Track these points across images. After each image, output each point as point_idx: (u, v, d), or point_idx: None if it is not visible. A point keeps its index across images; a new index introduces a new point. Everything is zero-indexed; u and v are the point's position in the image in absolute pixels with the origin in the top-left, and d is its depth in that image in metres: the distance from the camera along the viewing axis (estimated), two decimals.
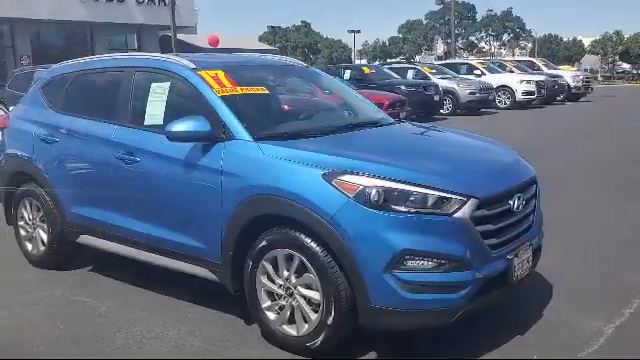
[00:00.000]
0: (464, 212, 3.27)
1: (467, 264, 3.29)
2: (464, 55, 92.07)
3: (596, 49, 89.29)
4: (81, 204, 4.85)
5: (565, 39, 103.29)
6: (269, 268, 3.66)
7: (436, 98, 18.36)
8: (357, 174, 3.33)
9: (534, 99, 22.37)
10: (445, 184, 3.32)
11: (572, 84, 25.92)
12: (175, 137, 3.89)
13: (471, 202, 3.30)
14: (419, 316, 3.30)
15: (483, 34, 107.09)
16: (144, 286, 4.75)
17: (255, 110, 4.31)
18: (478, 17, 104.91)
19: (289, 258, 3.56)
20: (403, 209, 3.24)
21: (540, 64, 27.95)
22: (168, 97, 4.35)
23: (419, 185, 3.28)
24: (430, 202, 3.27)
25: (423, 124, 4.85)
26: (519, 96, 21.96)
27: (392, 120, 4.79)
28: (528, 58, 31.88)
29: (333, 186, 3.33)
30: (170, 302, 4.46)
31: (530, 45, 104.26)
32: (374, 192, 3.24)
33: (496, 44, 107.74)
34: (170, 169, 4.09)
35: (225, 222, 3.80)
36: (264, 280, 3.70)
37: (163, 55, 4.55)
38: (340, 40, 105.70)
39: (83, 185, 4.82)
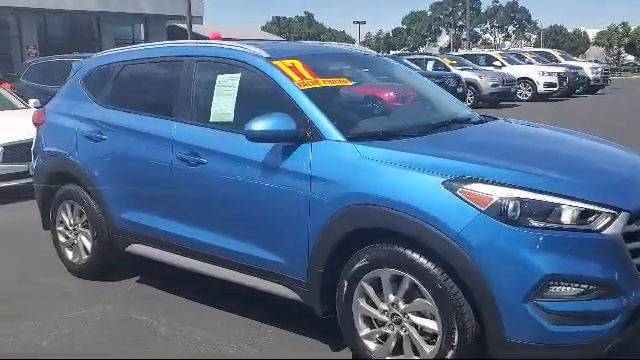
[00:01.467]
0: (615, 228, 2.77)
1: (617, 289, 2.79)
2: (466, 47, 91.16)
3: (602, 40, 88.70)
4: (133, 209, 4.35)
5: (570, 30, 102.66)
6: (369, 290, 3.16)
7: (459, 90, 17.83)
8: (489, 183, 2.82)
9: (555, 91, 21.82)
10: (592, 195, 2.81)
11: (591, 76, 25.38)
12: (256, 137, 3.38)
13: (622, 216, 2.80)
14: (563, 351, 2.80)
15: (487, 25, 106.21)
16: (205, 302, 4.26)
17: (341, 105, 3.81)
18: (482, 8, 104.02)
19: (396, 280, 3.06)
20: (545, 225, 2.74)
21: (557, 55, 27.40)
22: (238, 91, 3.81)
23: (562, 196, 2.78)
24: (576, 216, 2.76)
25: (517, 120, 4.32)
26: (540, 88, 21.43)
27: (479, 115, 4.27)
28: (543, 49, 31.19)
29: (458, 196, 2.82)
30: (239, 322, 3.98)
31: (535, 36, 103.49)
32: (512, 205, 2.74)
33: (501, 36, 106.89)
34: (245, 173, 3.59)
35: (314, 235, 3.30)
36: (363, 304, 3.20)
37: (231, 43, 4.02)
38: (343, 31, 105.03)
39: (136, 188, 4.31)
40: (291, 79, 3.62)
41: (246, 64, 3.81)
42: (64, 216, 4.91)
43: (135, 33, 32.95)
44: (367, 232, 3.14)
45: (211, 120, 3.90)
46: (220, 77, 3.92)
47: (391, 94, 4.22)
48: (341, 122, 3.43)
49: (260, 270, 3.65)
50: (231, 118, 3.79)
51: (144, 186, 4.26)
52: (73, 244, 4.91)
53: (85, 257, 4.81)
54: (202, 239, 3.92)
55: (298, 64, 3.78)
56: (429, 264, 2.92)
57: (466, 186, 2.83)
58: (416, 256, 2.95)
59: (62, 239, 4.98)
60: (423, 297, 2.97)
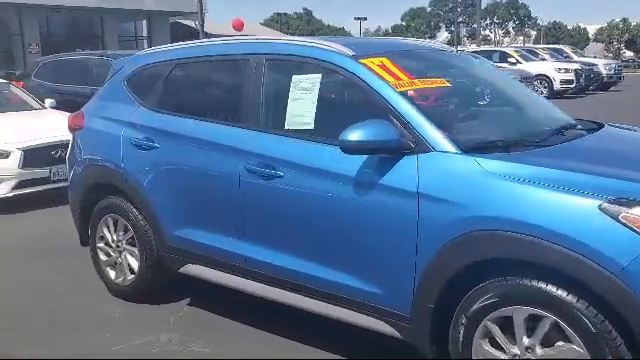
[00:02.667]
0: None
1: None
2: (467, 44, 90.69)
3: (602, 36, 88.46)
4: (190, 226, 3.86)
5: (569, 27, 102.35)
6: (496, 331, 2.68)
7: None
8: None
9: (572, 88, 21.35)
10: None
11: (605, 72, 24.93)
12: (353, 149, 2.90)
13: None
14: None
15: (487, 22, 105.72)
16: (272, 330, 3.78)
17: (446, 110, 3.30)
18: (483, 5, 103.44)
19: (533, 319, 2.57)
20: None
21: (569, 52, 26.94)
22: (318, 94, 3.33)
23: None
24: None
25: (622, 125, 3.83)
26: (557, 85, 20.96)
27: (579, 121, 3.79)
28: (555, 45, 30.73)
29: (621, 223, 2.34)
30: (316, 354, 3.47)
31: (534, 33, 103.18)
32: None
33: (500, 32, 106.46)
34: (332, 188, 3.11)
35: (423, 263, 2.82)
36: (486, 347, 2.73)
37: (307, 39, 3.52)
38: (343, 28, 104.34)
39: (194, 202, 3.82)
40: (385, 80, 3.14)
41: (328, 63, 3.33)
42: (105, 232, 4.42)
43: (138, 30, 32.42)
44: (496, 263, 2.65)
45: (286, 127, 3.41)
46: (295, 78, 3.43)
47: (489, 97, 3.71)
48: (451, 130, 2.95)
49: (347, 300, 3.19)
50: (310, 125, 3.30)
51: (204, 201, 3.78)
52: (116, 263, 4.43)
53: (131, 277, 4.32)
54: (275, 262, 3.46)
55: (388, 62, 3.30)
56: (579, 303, 2.43)
57: (631, 210, 2.35)
58: (563, 294, 2.47)
59: (103, 257, 4.49)
60: (570, 341, 2.49)
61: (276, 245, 3.45)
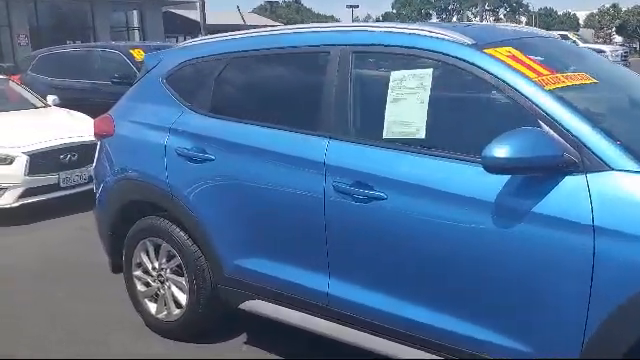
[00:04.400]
0: None
1: None
2: None
3: (592, 22, 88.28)
4: (255, 254, 3.18)
5: (560, 13, 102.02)
6: None
7: None
8: None
9: None
10: None
11: (611, 59, 24.32)
12: (501, 167, 2.23)
13: None
14: None
15: (478, 8, 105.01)
16: None
17: (612, 115, 2.63)
18: None
19: None
20: None
21: (574, 38, 26.32)
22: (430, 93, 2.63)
23: None
24: None
25: None
26: None
27: None
28: (560, 32, 30.10)
29: None
30: None
31: (525, 19, 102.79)
32: None
33: (492, 19, 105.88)
34: (461, 216, 2.42)
35: (597, 318, 2.13)
36: None
37: (406, 25, 2.82)
38: (332, 16, 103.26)
39: (261, 226, 3.14)
40: (524, 75, 2.45)
41: (440, 54, 2.64)
42: (144, 258, 3.72)
43: (129, 20, 31.46)
44: None
45: (385, 136, 2.71)
46: (396, 75, 2.73)
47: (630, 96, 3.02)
48: (626, 141, 2.25)
49: (471, 355, 2.49)
50: (420, 133, 2.61)
51: (275, 225, 3.08)
52: (157, 295, 3.71)
53: (176, 312, 3.62)
54: (370, 303, 2.79)
55: (517, 53, 2.63)
56: None
57: None
58: None
59: (140, 287, 3.79)
60: None
61: (372, 283, 2.77)
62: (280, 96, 3.24)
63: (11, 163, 6.29)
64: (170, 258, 3.60)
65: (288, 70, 3.28)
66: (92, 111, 7.90)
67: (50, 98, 8.24)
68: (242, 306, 3.34)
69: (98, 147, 4.00)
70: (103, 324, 3.93)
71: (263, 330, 3.58)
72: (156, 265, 3.68)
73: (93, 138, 6.83)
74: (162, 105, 3.61)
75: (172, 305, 3.65)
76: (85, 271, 4.82)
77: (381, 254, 2.71)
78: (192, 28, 31.70)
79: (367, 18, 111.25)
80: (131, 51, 9.48)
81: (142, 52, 9.36)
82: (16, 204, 6.31)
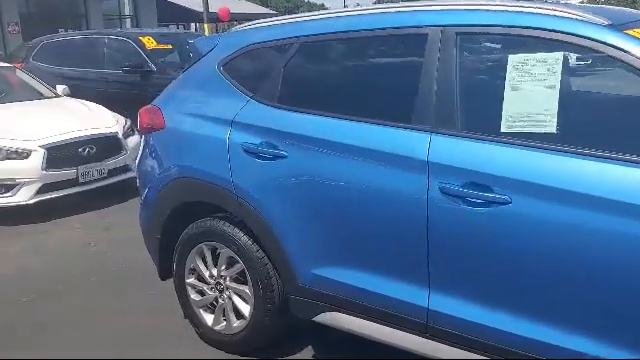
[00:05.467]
0: None
1: None
2: None
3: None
4: (337, 262, 2.85)
5: None
6: None
7: None
8: None
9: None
10: None
11: None
12: None
13: None
14: None
15: None
16: None
17: None
18: None
19: None
20: None
21: None
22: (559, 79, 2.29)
23: None
24: None
25: None
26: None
27: None
28: None
29: None
30: None
31: None
32: None
33: None
34: (604, 224, 2.09)
35: None
36: None
37: (524, 3, 2.47)
38: (323, 4, 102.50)
39: (345, 232, 2.81)
40: None
41: (574, 36, 2.29)
42: (199, 264, 3.36)
43: (122, 8, 30.81)
44: None
45: (504, 130, 2.36)
46: (515, 59, 2.39)
47: None
48: None
49: None
50: (550, 126, 2.27)
51: (363, 230, 2.73)
52: (214, 305, 3.37)
53: (237, 324, 3.29)
54: (484, 321, 2.44)
55: None
56: None
57: None
58: None
59: (194, 296, 3.44)
60: None
61: (487, 298, 2.44)
62: (365, 85, 2.89)
63: (27, 157, 5.90)
64: (231, 265, 3.26)
65: (375, 55, 2.93)
66: (101, 101, 7.52)
67: (60, 88, 7.83)
68: (318, 318, 3.00)
69: (143, 142, 3.63)
70: (151, 336, 3.58)
71: (329, 343, 3.25)
72: (214, 272, 3.33)
73: (112, 130, 6.51)
74: (221, 95, 3.25)
75: (232, 316, 3.30)
76: (122, 276, 4.48)
77: (501, 266, 2.38)
78: (186, 16, 31.11)
79: (356, 6, 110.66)
80: (141, 38, 9.06)
81: (152, 39, 8.97)
82: (32, 201, 5.93)
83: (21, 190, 5.87)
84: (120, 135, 6.59)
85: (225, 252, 3.24)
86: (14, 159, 5.88)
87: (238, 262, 3.21)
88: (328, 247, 2.86)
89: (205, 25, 15.08)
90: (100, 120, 6.66)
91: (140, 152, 3.65)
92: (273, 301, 3.13)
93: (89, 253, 5.07)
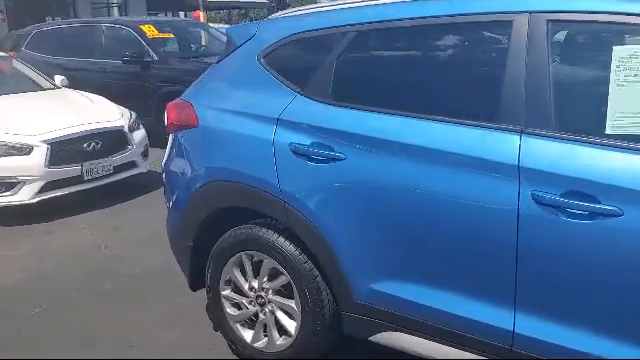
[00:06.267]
0: None
1: None
2: None
3: None
4: (402, 277, 2.58)
5: None
6: None
7: None
8: None
9: None
10: None
11: None
12: None
13: None
14: None
15: None
16: None
17: None
18: None
19: None
20: None
21: None
22: None
23: None
24: None
25: None
26: None
27: None
28: None
29: None
30: None
31: None
32: None
33: None
34: None
35: None
36: None
37: None
38: None
39: (414, 243, 2.51)
40: None
41: None
42: (237, 275, 3.06)
43: None
44: None
45: (608, 131, 2.08)
46: (622, 51, 2.08)
47: None
48: None
49: None
50: None
51: (438, 243, 2.44)
52: (253, 320, 3.06)
53: (280, 342, 3.00)
54: (583, 348, 2.15)
55: None
56: None
57: None
58: None
59: (231, 310, 3.14)
60: None
61: (590, 323, 2.15)
62: (439, 79, 2.58)
63: (29, 153, 5.54)
64: (274, 277, 2.95)
65: (447, 46, 2.61)
66: (99, 93, 7.14)
67: (58, 79, 7.45)
68: (376, 338, 2.72)
69: (171, 141, 3.31)
70: (178, 351, 3.26)
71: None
72: (255, 284, 3.01)
73: (117, 124, 6.15)
74: (262, 90, 2.93)
75: (275, 333, 3.00)
76: (138, 283, 4.18)
77: (606, 287, 2.09)
78: (176, 4, 30.53)
79: None
80: (141, 27, 8.68)
81: (153, 28, 8.59)
82: (35, 200, 5.57)
83: (23, 189, 5.51)
84: (126, 129, 6.24)
85: (268, 263, 2.94)
86: (15, 155, 5.51)
87: (283, 274, 2.91)
88: (391, 260, 2.57)
89: (201, 13, 14.66)
90: (104, 113, 6.29)
91: (167, 152, 3.32)
92: (323, 317, 2.83)
93: (100, 257, 4.74)
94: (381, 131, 2.53)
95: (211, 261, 3.15)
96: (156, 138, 7.02)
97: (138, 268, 4.44)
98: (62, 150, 5.67)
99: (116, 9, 29.76)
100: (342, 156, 2.60)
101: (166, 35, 8.94)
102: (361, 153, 2.56)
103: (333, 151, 2.62)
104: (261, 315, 3.05)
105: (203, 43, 9.72)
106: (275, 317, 3.00)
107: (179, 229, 3.24)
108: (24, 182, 5.50)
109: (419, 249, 2.49)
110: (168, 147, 3.34)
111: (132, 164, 6.31)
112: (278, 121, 2.79)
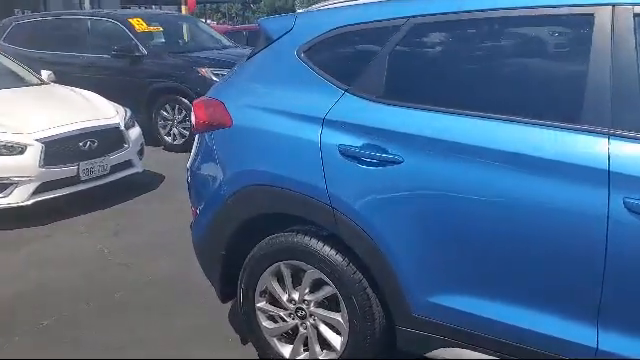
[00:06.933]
0: None
1: None
2: None
3: None
4: (468, 290, 2.42)
5: None
6: None
7: None
8: None
9: None
10: None
11: None
12: None
13: None
14: None
15: None
16: None
17: None
18: None
19: None
20: None
21: None
22: None
23: None
24: None
25: None
26: None
27: None
28: None
29: None
30: None
31: None
32: None
33: None
34: None
35: None
36: None
37: None
38: None
39: (487, 253, 2.33)
40: None
41: None
42: (275, 286, 2.86)
43: None
44: None
45: None
46: None
47: None
48: None
49: None
50: None
51: (511, 253, 2.26)
52: (291, 333, 2.87)
53: (323, 357, 2.83)
54: None
55: None
56: None
57: None
58: None
59: (267, 323, 2.93)
60: None
61: None
62: (511, 76, 2.40)
63: (22, 153, 5.24)
64: (317, 288, 2.76)
65: (515, 41, 2.43)
66: (86, 88, 6.83)
67: (45, 73, 7.10)
68: (435, 354, 2.54)
69: (197, 142, 3.08)
70: None
71: None
72: (295, 296, 2.80)
73: (113, 121, 5.87)
74: (304, 87, 2.72)
75: (317, 347, 2.80)
76: (151, 292, 3.95)
77: None
78: None
79: None
80: (130, 20, 8.36)
81: (142, 21, 8.29)
82: (29, 202, 5.27)
83: (16, 190, 5.21)
84: (122, 127, 5.96)
85: (311, 273, 2.74)
86: (6, 155, 5.21)
87: (328, 285, 2.70)
88: (457, 271, 2.39)
89: (183, 7, 14.30)
90: (99, 110, 6.01)
91: (194, 154, 3.10)
92: (373, 332, 2.64)
93: (105, 263, 4.47)
94: (447, 133, 2.34)
95: (245, 271, 2.93)
96: (146, 136, 6.74)
97: (148, 275, 4.20)
98: (57, 149, 5.39)
99: (87, 1, 29.05)
100: (399, 159, 2.41)
101: (155, 29, 8.62)
102: (422, 156, 2.38)
103: (387, 153, 2.43)
104: (301, 329, 2.85)
105: (192, 37, 9.42)
106: (317, 331, 2.80)
107: (209, 237, 3.02)
108: (17, 183, 5.20)
109: (491, 259, 2.31)
110: (194, 148, 3.11)
111: (129, 163, 6.04)
112: (324, 121, 2.59)
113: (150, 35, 8.72)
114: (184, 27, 9.49)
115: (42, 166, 5.26)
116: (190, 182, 3.14)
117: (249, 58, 3.04)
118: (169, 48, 8.74)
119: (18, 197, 5.21)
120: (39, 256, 4.63)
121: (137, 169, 6.18)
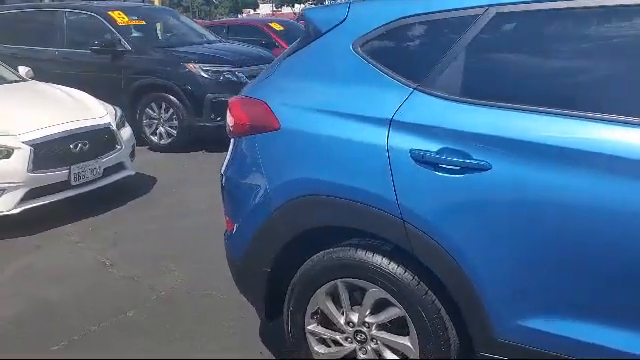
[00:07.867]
0: None
1: None
2: None
3: None
4: (565, 312, 2.12)
5: None
6: None
7: None
8: None
9: None
10: None
11: None
12: None
13: None
14: None
15: None
16: None
17: None
18: None
19: None
20: None
21: None
22: None
23: None
24: None
25: None
26: None
27: None
28: None
29: None
30: None
31: None
32: None
33: None
34: None
35: None
36: None
37: None
38: None
39: (589, 271, 2.06)
40: None
41: None
42: (330, 306, 2.57)
43: None
44: None
45: None
46: None
47: None
48: None
49: None
50: None
51: (618, 273, 1.99)
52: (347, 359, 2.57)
53: None
54: None
55: None
56: None
57: None
58: None
59: (319, 348, 2.71)
60: None
61: None
62: (616, 74, 2.12)
63: (8, 157, 4.82)
64: (379, 309, 2.46)
65: (623, 33, 2.15)
66: (64, 86, 6.41)
67: (22, 70, 6.64)
68: None
69: (233, 147, 2.76)
70: None
71: None
72: (353, 318, 2.50)
73: (104, 121, 5.46)
74: (364, 85, 2.42)
75: None
76: (166, 310, 3.62)
77: None
78: None
79: None
80: (110, 13, 7.91)
81: (123, 14, 7.84)
82: (17, 210, 4.86)
83: (3, 197, 4.78)
84: (114, 127, 5.56)
85: (374, 292, 2.45)
86: None
87: (394, 306, 2.40)
88: (552, 292, 2.12)
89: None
90: (88, 109, 5.60)
91: (229, 159, 2.77)
92: (448, 358, 2.35)
93: (108, 276, 4.11)
94: (543, 135, 2.06)
95: (294, 290, 2.63)
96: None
97: (160, 290, 3.85)
98: (47, 152, 4.98)
99: None
100: (485, 165, 2.12)
101: (136, 22, 8.18)
102: (515, 162, 2.10)
103: (471, 158, 2.14)
104: (360, 354, 2.56)
105: (176, 31, 9.00)
106: (380, 357, 2.51)
107: (251, 252, 2.70)
108: (4, 190, 4.79)
109: (598, 277, 2.04)
110: (229, 153, 2.79)
111: (121, 166, 5.65)
112: (392, 123, 2.29)
113: (129, 29, 8.27)
114: (167, 21, 9.07)
115: (31, 171, 4.85)
116: (225, 190, 2.81)
117: (293, 53, 2.71)
118: (153, 43, 8.31)
119: (4, 205, 4.80)
120: (32, 270, 4.24)
121: (130, 172, 5.79)
